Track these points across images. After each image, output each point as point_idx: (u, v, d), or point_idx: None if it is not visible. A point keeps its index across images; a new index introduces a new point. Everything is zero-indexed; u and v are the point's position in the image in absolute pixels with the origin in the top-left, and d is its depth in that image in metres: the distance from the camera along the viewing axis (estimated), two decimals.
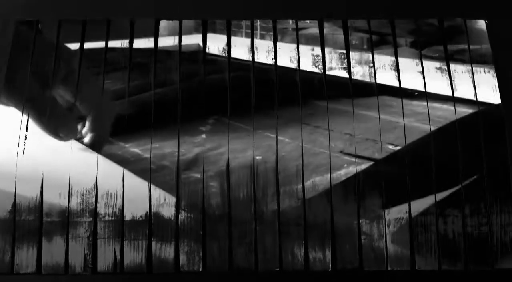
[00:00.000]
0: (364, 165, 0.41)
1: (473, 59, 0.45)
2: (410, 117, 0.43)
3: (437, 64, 0.45)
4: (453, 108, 0.43)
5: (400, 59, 0.45)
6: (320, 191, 0.41)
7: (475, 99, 0.43)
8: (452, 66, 0.45)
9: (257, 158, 0.42)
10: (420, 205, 0.40)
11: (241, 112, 0.43)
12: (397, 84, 0.44)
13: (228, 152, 0.42)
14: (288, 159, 0.42)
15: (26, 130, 0.42)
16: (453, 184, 0.41)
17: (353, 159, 0.42)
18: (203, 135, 0.42)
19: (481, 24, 0.47)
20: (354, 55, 0.45)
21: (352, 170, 0.41)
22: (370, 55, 0.45)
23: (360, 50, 0.45)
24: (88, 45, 0.45)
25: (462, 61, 0.45)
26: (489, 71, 0.45)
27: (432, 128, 0.42)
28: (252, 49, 0.46)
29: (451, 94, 0.44)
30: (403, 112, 0.43)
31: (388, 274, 0.40)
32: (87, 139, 0.43)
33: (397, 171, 0.41)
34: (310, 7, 0.48)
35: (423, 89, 0.44)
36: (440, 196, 0.41)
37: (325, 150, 0.42)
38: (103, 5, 0.48)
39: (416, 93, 0.44)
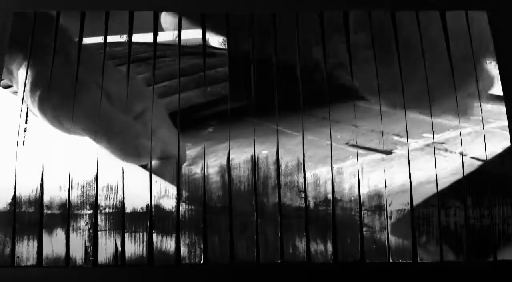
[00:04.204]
0: (370, 156, 0.42)
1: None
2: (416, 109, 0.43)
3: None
4: None
5: None
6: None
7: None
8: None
9: (264, 152, 0.42)
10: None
11: (246, 105, 0.43)
12: None
13: (229, 146, 0.42)
14: (295, 151, 0.42)
15: (26, 123, 0.42)
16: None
17: (359, 150, 0.42)
18: (210, 129, 0.42)
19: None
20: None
21: (356, 160, 0.41)
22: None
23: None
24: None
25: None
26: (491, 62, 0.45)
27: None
28: (253, 42, 0.45)
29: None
30: (404, 103, 0.43)
31: (390, 266, 0.40)
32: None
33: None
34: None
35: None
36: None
37: (332, 141, 0.42)
38: None
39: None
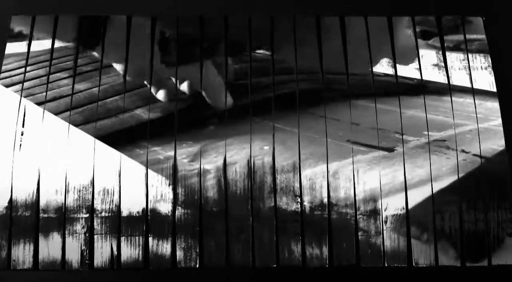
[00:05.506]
0: (371, 154, 0.42)
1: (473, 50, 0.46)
2: (417, 109, 0.43)
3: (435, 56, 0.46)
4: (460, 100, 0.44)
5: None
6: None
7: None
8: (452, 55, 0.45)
9: (265, 148, 0.42)
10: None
11: (245, 104, 0.43)
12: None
13: (225, 148, 0.42)
14: (296, 148, 0.42)
15: (23, 126, 0.42)
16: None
17: (360, 147, 0.42)
18: (212, 127, 0.42)
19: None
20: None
21: (358, 158, 0.42)
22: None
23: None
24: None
25: (463, 51, 0.46)
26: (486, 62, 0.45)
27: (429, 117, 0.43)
28: (250, 43, 0.45)
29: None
30: (399, 103, 0.44)
31: (385, 270, 0.40)
32: None
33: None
34: (308, 2, 0.48)
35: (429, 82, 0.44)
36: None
37: (331, 139, 0.42)
38: (100, 1, 0.48)
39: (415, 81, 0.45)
